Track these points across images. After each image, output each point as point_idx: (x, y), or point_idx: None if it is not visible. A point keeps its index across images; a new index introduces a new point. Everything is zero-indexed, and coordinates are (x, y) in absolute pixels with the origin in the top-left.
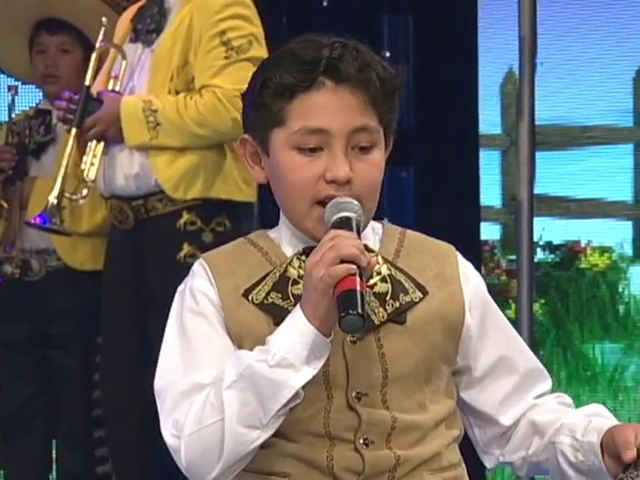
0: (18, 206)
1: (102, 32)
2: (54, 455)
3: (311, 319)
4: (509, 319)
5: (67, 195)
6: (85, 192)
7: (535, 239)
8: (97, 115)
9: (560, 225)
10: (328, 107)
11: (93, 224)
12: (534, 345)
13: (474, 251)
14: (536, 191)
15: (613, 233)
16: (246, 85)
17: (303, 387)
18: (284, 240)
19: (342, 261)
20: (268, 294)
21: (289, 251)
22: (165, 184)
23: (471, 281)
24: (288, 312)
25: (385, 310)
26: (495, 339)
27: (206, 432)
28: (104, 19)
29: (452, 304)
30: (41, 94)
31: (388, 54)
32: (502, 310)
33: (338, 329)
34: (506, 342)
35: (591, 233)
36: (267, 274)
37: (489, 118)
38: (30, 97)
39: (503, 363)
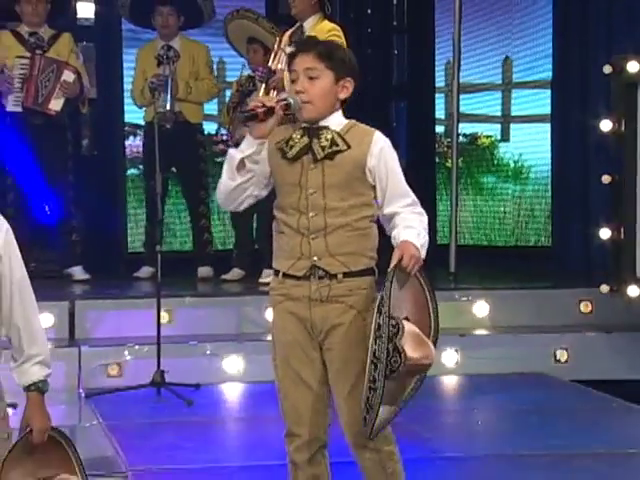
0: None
1: (276, 44)
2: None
3: (252, 135)
4: (448, 168)
5: None
6: None
7: (459, 132)
8: (274, 78)
9: (470, 126)
10: (297, 61)
11: None
12: (458, 176)
13: (432, 137)
14: (461, 111)
15: (491, 129)
16: None
17: (248, 159)
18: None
19: (264, 106)
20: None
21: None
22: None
23: (378, 145)
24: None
25: (324, 152)
26: (383, 173)
27: (219, 186)
28: (277, 39)
29: (361, 154)
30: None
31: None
32: (444, 163)
33: (311, 164)
34: (389, 176)
35: (482, 129)
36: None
37: (440, 80)
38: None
39: (385, 185)
